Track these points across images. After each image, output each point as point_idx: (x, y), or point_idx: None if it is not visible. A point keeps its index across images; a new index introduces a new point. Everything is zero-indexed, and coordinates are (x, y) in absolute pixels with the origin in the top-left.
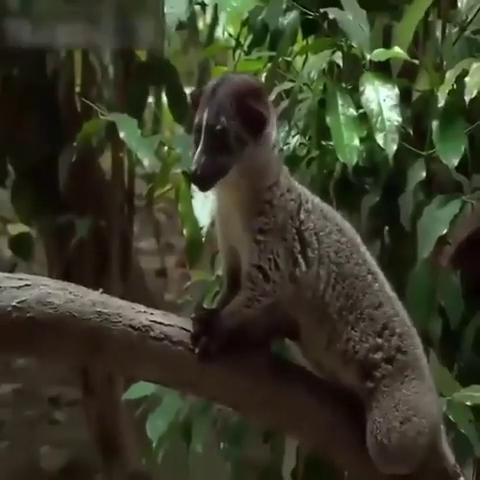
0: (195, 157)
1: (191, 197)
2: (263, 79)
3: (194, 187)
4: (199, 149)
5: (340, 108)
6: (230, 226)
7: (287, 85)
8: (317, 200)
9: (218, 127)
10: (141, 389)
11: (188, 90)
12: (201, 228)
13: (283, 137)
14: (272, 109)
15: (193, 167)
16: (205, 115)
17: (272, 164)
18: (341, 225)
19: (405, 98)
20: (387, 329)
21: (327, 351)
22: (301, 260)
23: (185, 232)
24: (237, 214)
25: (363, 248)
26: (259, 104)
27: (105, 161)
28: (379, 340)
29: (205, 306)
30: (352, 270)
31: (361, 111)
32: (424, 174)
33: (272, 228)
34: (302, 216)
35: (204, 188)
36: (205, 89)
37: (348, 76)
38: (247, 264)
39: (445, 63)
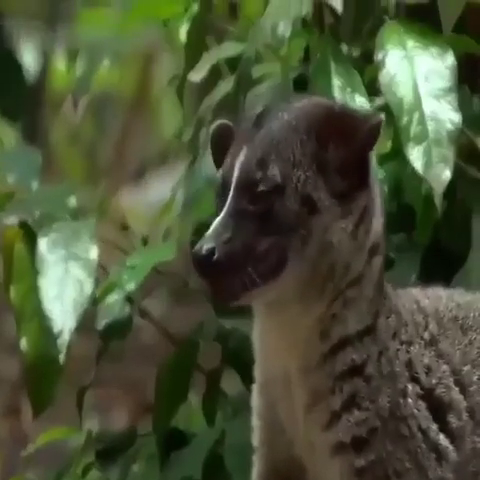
0: (211, 228)
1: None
2: (184, 35)
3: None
4: (221, 216)
5: (337, 95)
6: (288, 408)
7: (231, 48)
8: (437, 305)
9: (262, 186)
10: None
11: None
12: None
13: None
14: (373, 160)
15: (204, 244)
16: (239, 160)
17: (369, 278)
18: None
19: (468, 74)
20: None
21: None
22: (443, 443)
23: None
24: (302, 399)
25: None
26: (353, 141)
27: None
28: None
29: None
30: None
31: (379, 101)
32: None
33: (376, 429)
34: (426, 359)
35: (226, 289)
36: (243, 119)
37: (353, 30)
38: None
39: None
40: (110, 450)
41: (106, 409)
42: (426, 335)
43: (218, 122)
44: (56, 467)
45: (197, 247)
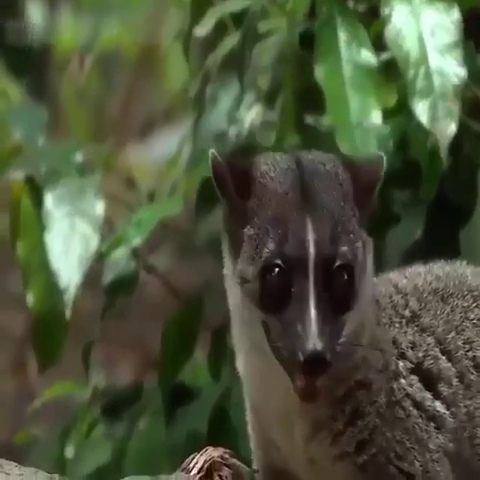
0: (312, 325)
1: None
2: None
3: None
4: (312, 308)
5: (343, 49)
6: (287, 434)
7: (236, 3)
8: (416, 282)
9: (340, 262)
10: None
11: None
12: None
13: (229, 109)
14: None
15: (312, 345)
16: (311, 235)
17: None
18: (470, 283)
19: (473, 30)
20: None
21: None
22: (440, 409)
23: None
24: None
25: None
26: (373, 193)
27: None
28: None
29: None
30: None
31: (385, 56)
32: None
33: (376, 427)
34: (409, 336)
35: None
36: (278, 171)
37: None
38: None
39: None
40: (116, 405)
41: (112, 365)
42: (407, 313)
43: (211, 157)
44: (62, 422)
45: (310, 347)
